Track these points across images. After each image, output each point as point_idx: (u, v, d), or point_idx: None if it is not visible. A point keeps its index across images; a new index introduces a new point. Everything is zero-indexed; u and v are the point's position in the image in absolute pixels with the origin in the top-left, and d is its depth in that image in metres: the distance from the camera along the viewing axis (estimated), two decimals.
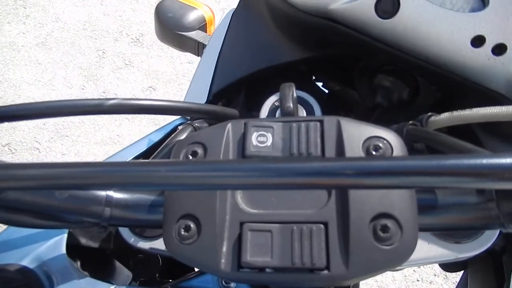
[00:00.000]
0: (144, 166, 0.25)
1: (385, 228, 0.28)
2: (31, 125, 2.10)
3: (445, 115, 0.36)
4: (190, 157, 0.33)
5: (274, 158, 0.23)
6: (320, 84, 0.73)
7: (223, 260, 0.30)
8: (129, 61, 2.49)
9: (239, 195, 0.31)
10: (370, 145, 0.31)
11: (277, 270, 0.29)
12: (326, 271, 0.28)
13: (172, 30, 0.70)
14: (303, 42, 0.52)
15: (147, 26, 2.66)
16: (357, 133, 0.32)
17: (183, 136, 0.47)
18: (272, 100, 0.45)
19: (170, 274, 0.63)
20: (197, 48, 0.70)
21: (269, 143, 0.32)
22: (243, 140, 0.33)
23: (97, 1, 2.74)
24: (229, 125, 0.34)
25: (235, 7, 0.62)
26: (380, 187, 0.25)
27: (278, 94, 0.46)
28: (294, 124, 0.33)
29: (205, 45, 0.69)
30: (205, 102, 0.58)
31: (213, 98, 0.57)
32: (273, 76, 0.58)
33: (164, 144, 0.46)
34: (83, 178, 0.25)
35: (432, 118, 0.38)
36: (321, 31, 0.46)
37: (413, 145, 0.40)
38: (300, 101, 0.44)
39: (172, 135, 0.47)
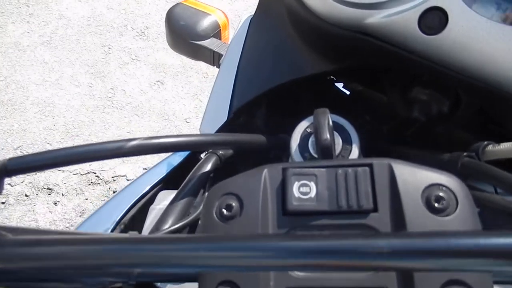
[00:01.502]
0: (182, 243, 0.22)
1: None
2: (41, 126, 2.08)
3: (506, 146, 0.32)
4: (224, 211, 0.30)
5: (327, 234, 0.20)
6: (340, 85, 0.69)
7: None
8: (136, 56, 2.44)
9: None
10: (430, 195, 0.27)
11: None
12: None
13: (186, 39, 0.66)
14: (330, 54, 0.48)
15: (152, 19, 2.60)
16: (414, 181, 0.28)
17: (207, 167, 0.43)
18: (303, 126, 0.41)
19: None
20: (213, 58, 0.65)
21: (312, 194, 0.29)
22: (282, 190, 0.29)
23: None
24: (265, 172, 0.30)
25: (253, 14, 0.57)
26: (454, 270, 0.21)
27: (309, 119, 0.42)
28: (340, 171, 0.29)
29: (221, 54, 0.64)
30: (226, 120, 0.54)
31: (234, 115, 0.54)
32: (297, 85, 0.54)
33: (188, 178, 0.42)
34: (112, 258, 0.22)
35: (490, 148, 0.34)
36: (353, 44, 0.42)
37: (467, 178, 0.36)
38: (335, 126, 0.40)
39: (196, 167, 0.43)
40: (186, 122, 2.24)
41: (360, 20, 0.38)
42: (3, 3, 2.56)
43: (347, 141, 0.40)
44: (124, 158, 2.06)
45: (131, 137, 2.14)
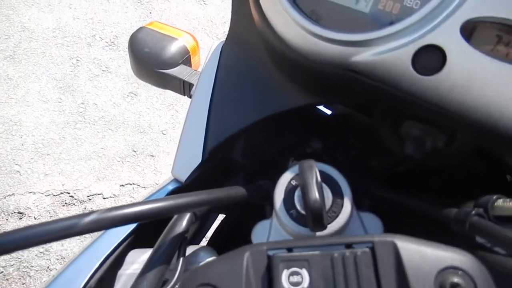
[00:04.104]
0: None
1: None
2: (9, 147, 1.97)
3: None
4: None
5: None
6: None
7: None
8: (106, 67, 2.35)
9: None
10: (445, 282, 0.23)
11: None
12: None
13: (152, 68, 0.60)
14: (312, 88, 0.43)
15: (121, 27, 2.51)
16: (425, 264, 0.23)
17: (181, 227, 0.38)
18: (287, 177, 0.37)
19: None
20: (183, 88, 0.60)
21: (305, 283, 0.24)
22: (269, 281, 0.25)
23: (65, 5, 2.58)
24: (246, 256, 0.25)
25: (224, 41, 0.52)
26: None
27: (293, 169, 0.37)
28: (336, 254, 0.24)
29: (191, 83, 0.59)
30: (201, 161, 0.49)
31: (209, 155, 0.49)
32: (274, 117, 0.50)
33: (160, 240, 0.37)
34: None
35: (499, 203, 0.30)
36: (339, 81, 0.38)
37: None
38: (323, 177, 0.36)
39: (168, 226, 0.38)
40: (163, 134, 2.17)
41: (346, 58, 0.34)
42: None
43: (337, 194, 0.35)
44: (99, 175, 1.98)
45: (106, 153, 2.06)
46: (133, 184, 2.00)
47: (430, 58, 0.31)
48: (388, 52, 0.32)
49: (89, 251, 0.45)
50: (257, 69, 0.48)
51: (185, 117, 0.51)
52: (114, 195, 1.95)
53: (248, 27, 0.47)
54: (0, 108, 2.09)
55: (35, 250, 1.75)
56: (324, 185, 0.35)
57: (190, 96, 0.59)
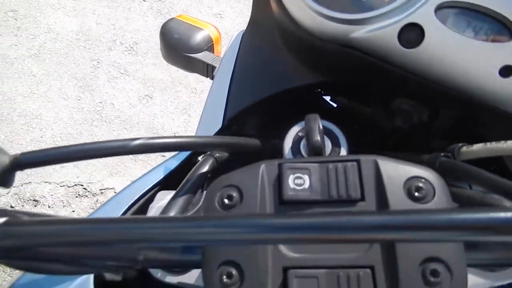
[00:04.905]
0: (188, 222, 0.24)
1: (435, 273, 0.28)
2: (28, 138, 2.07)
3: (478, 147, 0.36)
4: (226, 201, 0.33)
5: (318, 213, 0.23)
6: (328, 98, 0.73)
7: None
8: (125, 70, 2.47)
9: None
10: (411, 186, 0.31)
11: None
12: None
13: (180, 52, 0.70)
14: (318, 67, 0.52)
15: (141, 34, 2.64)
16: (397, 174, 0.31)
17: (205, 169, 0.46)
18: (295, 130, 0.45)
19: None
20: (206, 70, 0.69)
21: (306, 185, 0.32)
22: (279, 183, 0.32)
23: (89, 10, 2.72)
24: (262, 167, 0.33)
25: (245, 29, 0.61)
26: (431, 241, 0.25)
27: (301, 124, 0.45)
28: (331, 165, 0.32)
29: (214, 66, 0.68)
30: (220, 128, 0.57)
31: (228, 123, 0.57)
32: (286, 96, 0.58)
33: (186, 178, 0.45)
34: (118, 235, 0.24)
35: (464, 148, 0.38)
36: (340, 57, 0.46)
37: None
38: (325, 130, 0.44)
39: (194, 168, 0.46)
40: None
41: (345, 35, 0.42)
42: None
43: (336, 144, 0.43)
44: (112, 171, 2.07)
45: None
46: None
47: (412, 34, 0.39)
48: (379, 29, 0.40)
49: (125, 192, 0.53)
50: (272, 53, 0.56)
51: (208, 93, 0.60)
52: None
53: (266, 17, 0.56)
54: (23, 101, 2.20)
55: None
56: (325, 137, 0.43)
57: (212, 78, 0.68)
